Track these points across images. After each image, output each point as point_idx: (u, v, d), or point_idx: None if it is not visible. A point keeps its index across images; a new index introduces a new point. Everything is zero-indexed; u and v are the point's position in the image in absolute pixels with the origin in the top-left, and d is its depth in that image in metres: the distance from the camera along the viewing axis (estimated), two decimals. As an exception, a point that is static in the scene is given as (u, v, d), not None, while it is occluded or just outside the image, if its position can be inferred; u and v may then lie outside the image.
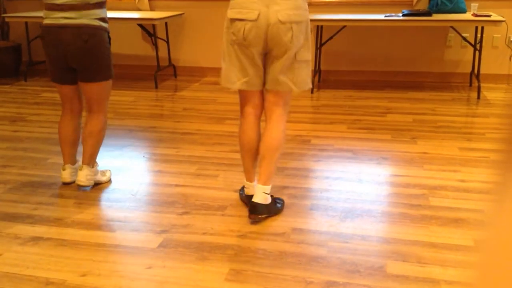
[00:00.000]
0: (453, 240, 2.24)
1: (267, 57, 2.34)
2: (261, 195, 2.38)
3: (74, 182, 2.85)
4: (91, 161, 2.77)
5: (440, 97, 4.55)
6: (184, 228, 2.37)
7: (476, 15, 4.46)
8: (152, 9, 5.50)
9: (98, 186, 2.85)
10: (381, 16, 4.64)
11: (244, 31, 2.26)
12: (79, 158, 2.88)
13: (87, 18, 2.57)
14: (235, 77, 2.36)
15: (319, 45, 4.95)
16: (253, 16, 2.24)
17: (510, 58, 4.98)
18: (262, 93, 2.45)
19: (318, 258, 2.12)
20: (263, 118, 2.48)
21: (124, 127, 3.87)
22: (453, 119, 3.93)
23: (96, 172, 2.81)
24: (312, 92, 4.83)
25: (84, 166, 2.75)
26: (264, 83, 2.39)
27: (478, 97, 4.50)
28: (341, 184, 2.82)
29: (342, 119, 3.95)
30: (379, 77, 5.23)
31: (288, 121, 3.93)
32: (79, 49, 2.58)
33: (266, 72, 2.36)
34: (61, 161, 3.18)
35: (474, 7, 4.63)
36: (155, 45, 5.27)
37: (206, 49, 5.53)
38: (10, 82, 5.32)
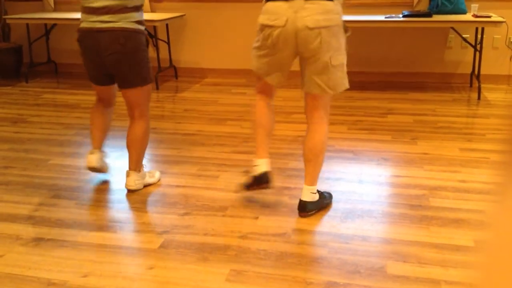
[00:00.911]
0: (454, 241, 2.24)
1: (300, 59, 2.36)
2: (309, 195, 2.46)
3: (98, 168, 2.86)
4: (137, 166, 2.77)
5: (440, 97, 4.55)
6: (185, 229, 2.38)
7: (477, 16, 4.46)
8: (153, 10, 5.50)
9: (99, 187, 2.85)
10: (381, 17, 4.64)
11: (273, 37, 2.29)
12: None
13: (124, 21, 2.51)
14: (261, 69, 2.44)
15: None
16: (281, 22, 2.25)
17: (510, 59, 4.98)
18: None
19: (319, 259, 2.12)
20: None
21: (125, 128, 3.87)
22: (453, 119, 3.94)
23: (143, 176, 2.82)
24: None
25: (131, 172, 2.76)
26: (302, 85, 2.41)
27: (479, 98, 4.50)
28: (341, 184, 2.82)
29: (342, 120, 3.96)
30: (379, 78, 5.23)
31: (289, 122, 3.96)
32: (117, 53, 2.53)
33: (302, 74, 2.38)
34: (62, 162, 3.19)
35: (474, 8, 4.63)
36: (156, 46, 5.27)
37: (207, 50, 5.53)
38: (11, 84, 5.33)
